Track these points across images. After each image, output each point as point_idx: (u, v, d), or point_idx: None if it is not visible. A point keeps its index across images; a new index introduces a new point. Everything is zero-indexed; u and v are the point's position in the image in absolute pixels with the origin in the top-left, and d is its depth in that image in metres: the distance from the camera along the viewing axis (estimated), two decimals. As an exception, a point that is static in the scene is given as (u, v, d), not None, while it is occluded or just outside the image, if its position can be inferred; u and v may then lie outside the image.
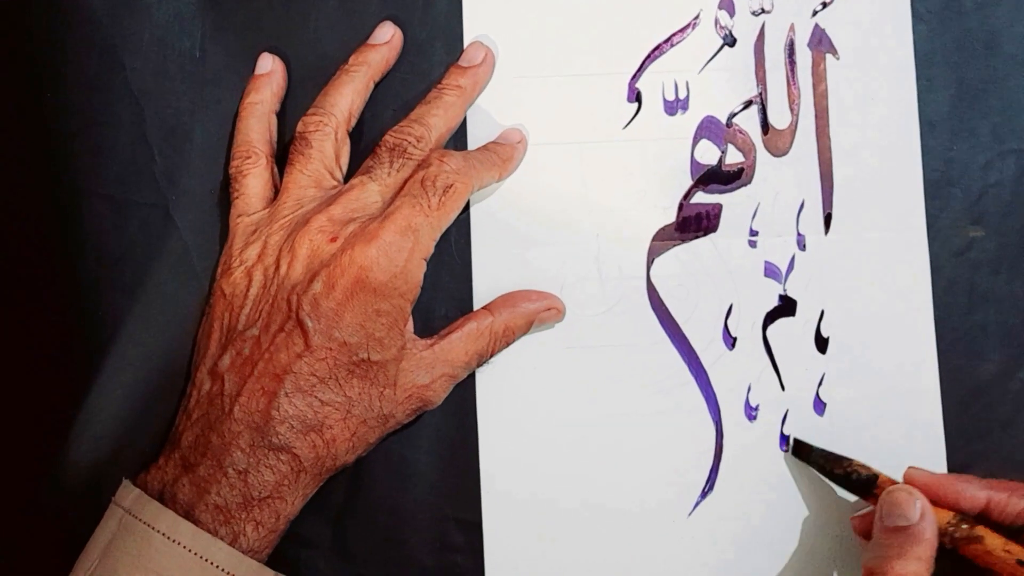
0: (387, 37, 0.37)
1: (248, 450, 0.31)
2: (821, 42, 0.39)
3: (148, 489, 0.31)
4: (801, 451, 0.37)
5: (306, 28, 0.38)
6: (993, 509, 0.33)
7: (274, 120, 0.37)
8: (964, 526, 0.33)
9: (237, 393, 0.32)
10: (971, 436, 0.38)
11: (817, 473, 0.37)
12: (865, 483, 0.35)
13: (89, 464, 0.36)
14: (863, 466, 0.35)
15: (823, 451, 0.36)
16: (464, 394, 0.37)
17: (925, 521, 0.32)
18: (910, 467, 0.35)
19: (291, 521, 0.32)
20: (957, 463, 0.37)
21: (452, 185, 0.33)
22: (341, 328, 0.32)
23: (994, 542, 0.32)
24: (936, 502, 0.33)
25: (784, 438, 0.38)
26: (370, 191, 0.34)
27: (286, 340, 0.32)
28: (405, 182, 0.34)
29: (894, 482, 0.34)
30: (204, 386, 0.33)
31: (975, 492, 0.33)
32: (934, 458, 0.38)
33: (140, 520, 0.30)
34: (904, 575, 0.31)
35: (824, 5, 0.39)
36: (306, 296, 0.32)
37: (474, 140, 0.38)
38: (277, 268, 0.33)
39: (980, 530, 0.32)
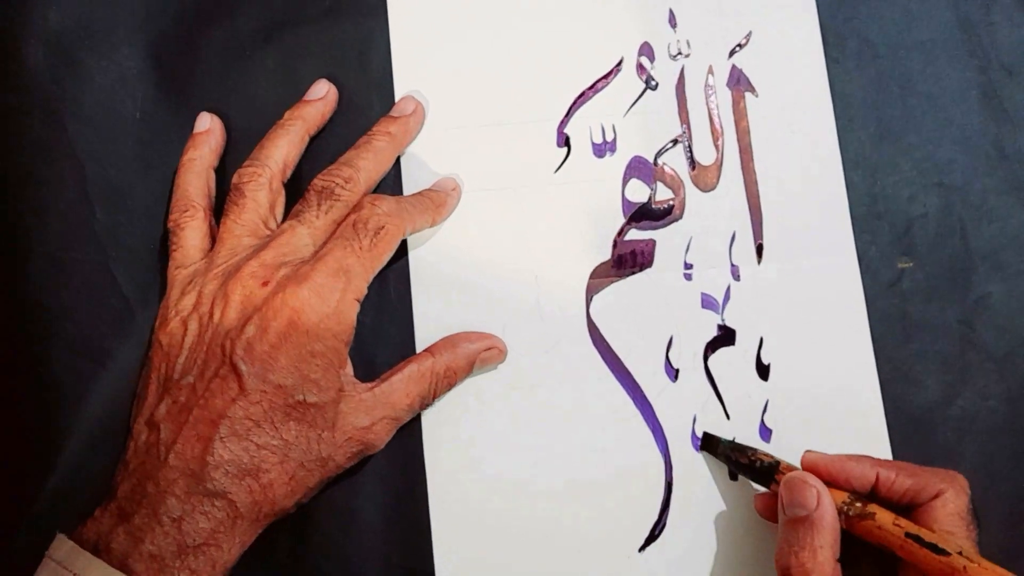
0: (322, 93, 0.38)
1: (183, 497, 0.31)
2: (739, 81, 0.41)
3: (83, 541, 0.31)
4: (710, 445, 0.38)
5: (245, 88, 0.39)
6: (882, 487, 0.34)
7: (212, 175, 0.37)
8: (857, 504, 0.33)
9: (173, 441, 0.31)
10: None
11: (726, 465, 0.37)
12: (767, 471, 0.35)
13: (31, 519, 0.35)
14: (766, 455, 0.36)
15: (730, 443, 0.37)
16: (409, 439, 0.37)
17: (823, 508, 0.32)
18: (807, 450, 0.35)
19: (229, 569, 0.32)
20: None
21: (384, 227, 0.34)
22: (275, 371, 0.32)
23: (884, 518, 0.33)
24: (831, 483, 0.34)
25: (696, 439, 0.38)
26: (300, 234, 0.34)
27: (220, 385, 0.32)
28: (337, 225, 0.35)
29: (794, 469, 0.35)
30: (141, 436, 0.32)
31: (865, 471, 0.34)
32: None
33: (71, 572, 0.29)
34: (811, 567, 0.32)
35: (740, 46, 0.41)
36: (239, 340, 0.32)
37: (409, 190, 0.39)
38: (211, 316, 0.33)
39: (872, 507, 0.33)
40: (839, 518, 0.33)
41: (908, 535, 0.32)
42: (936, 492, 0.33)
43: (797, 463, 0.35)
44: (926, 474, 0.33)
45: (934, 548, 0.31)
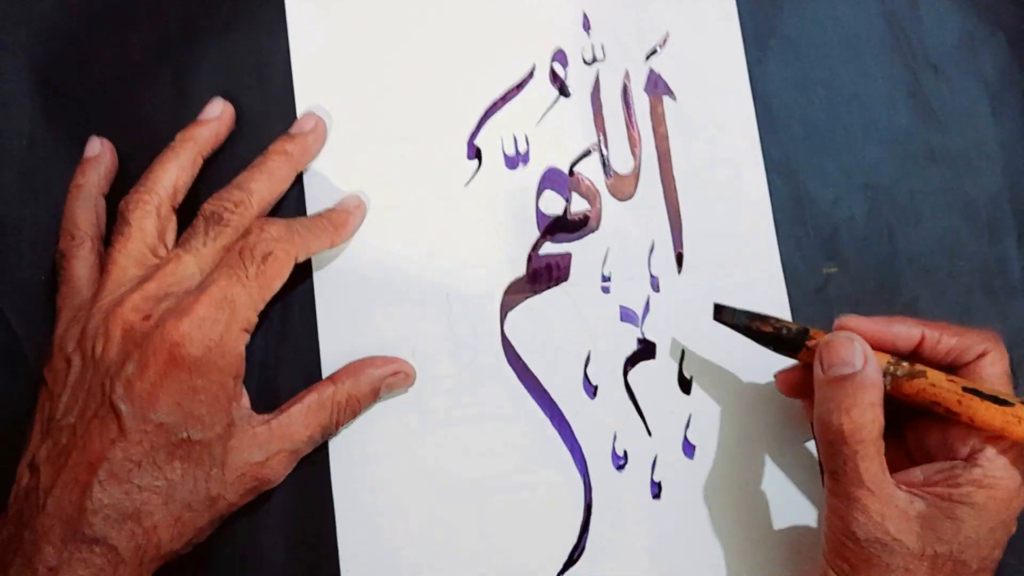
0: (216, 112, 0.37)
1: (60, 545, 0.29)
2: (657, 85, 0.39)
3: (-42, 594, 0.29)
4: (723, 315, 0.35)
5: (138, 108, 0.38)
6: (926, 348, 0.33)
7: (102, 202, 0.36)
8: (904, 364, 0.32)
9: (51, 486, 0.30)
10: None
11: (743, 336, 0.35)
12: (796, 338, 0.34)
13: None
14: (789, 322, 0.34)
15: (746, 312, 0.35)
16: (317, 470, 0.36)
17: (869, 366, 0.31)
18: (841, 314, 0.34)
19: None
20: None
21: (271, 253, 0.33)
22: (157, 409, 0.31)
23: (937, 375, 0.32)
24: (872, 346, 0.33)
25: (655, 484, 0.37)
26: (186, 264, 0.33)
27: (100, 426, 0.30)
28: (227, 252, 0.34)
29: (825, 333, 0.33)
30: (22, 480, 0.31)
31: (910, 331, 0.33)
32: (813, 496, 0.37)
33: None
34: (862, 424, 0.31)
35: (657, 49, 0.40)
36: (119, 379, 0.31)
37: (313, 208, 0.37)
38: (93, 352, 0.32)
39: (921, 366, 0.32)
40: (884, 381, 0.32)
41: (966, 389, 0.31)
42: (981, 352, 0.32)
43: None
44: (970, 333, 0.32)
45: (995, 400, 0.31)
